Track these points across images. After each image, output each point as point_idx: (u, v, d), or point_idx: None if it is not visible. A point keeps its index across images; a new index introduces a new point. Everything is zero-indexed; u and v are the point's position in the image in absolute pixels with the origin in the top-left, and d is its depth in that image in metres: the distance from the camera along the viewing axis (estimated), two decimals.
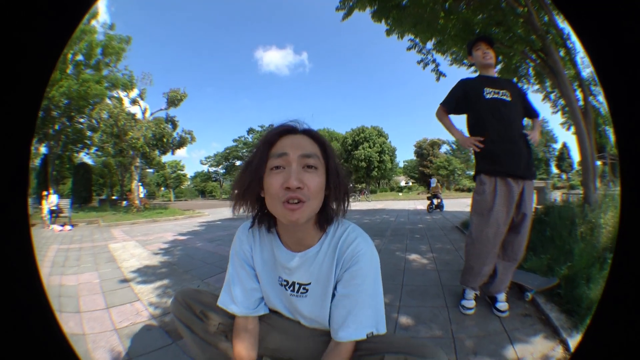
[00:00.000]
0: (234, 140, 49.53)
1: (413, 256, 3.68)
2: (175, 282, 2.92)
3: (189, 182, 63.77)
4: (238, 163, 50.04)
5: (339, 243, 0.84)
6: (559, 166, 40.83)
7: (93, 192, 22.23)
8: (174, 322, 1.03)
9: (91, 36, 15.10)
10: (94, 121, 14.91)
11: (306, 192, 0.73)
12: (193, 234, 6.57)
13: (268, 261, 0.92)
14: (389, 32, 4.62)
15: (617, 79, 0.47)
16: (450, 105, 2.11)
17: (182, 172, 57.61)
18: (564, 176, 39.86)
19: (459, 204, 14.07)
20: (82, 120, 16.60)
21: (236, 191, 0.81)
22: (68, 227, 8.15)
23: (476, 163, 2.05)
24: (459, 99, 2.09)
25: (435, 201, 11.05)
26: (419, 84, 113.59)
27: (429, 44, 4.99)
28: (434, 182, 11.89)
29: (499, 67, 5.77)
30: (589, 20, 0.49)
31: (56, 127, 16.59)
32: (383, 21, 4.48)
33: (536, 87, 6.38)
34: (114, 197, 23.67)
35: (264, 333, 0.95)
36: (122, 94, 16.27)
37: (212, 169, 56.02)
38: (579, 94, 4.27)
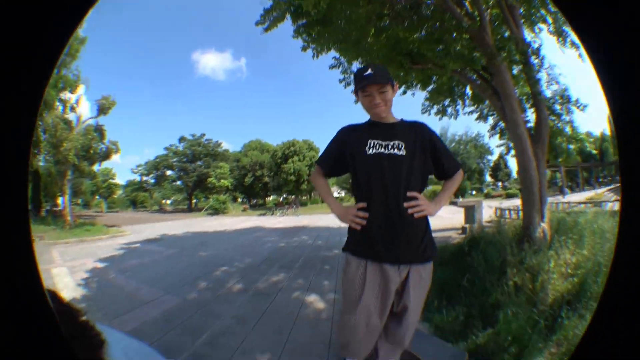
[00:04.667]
0: (166, 148, 43.55)
1: (312, 298, 3.54)
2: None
3: (121, 192, 58.51)
4: (169, 173, 44.18)
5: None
6: (493, 175, 44.18)
7: (42, 201, 22.05)
8: None
9: None
10: (44, 125, 15.03)
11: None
12: (110, 260, 6.87)
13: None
14: (305, 48, 4.08)
15: (618, 79, 0.49)
16: (326, 164, 1.61)
17: (113, 180, 52.24)
18: (500, 184, 43.27)
19: None
20: (40, 123, 15.93)
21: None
22: None
23: (348, 235, 1.54)
24: (336, 157, 1.58)
25: None
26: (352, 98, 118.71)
27: (355, 64, 4.56)
28: None
29: (431, 87, 5.48)
30: (591, 20, 0.51)
31: None
32: (300, 38, 3.97)
33: (472, 108, 6.22)
34: (55, 209, 23.21)
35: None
36: (68, 95, 15.79)
37: (144, 178, 49.53)
38: (532, 114, 3.97)
